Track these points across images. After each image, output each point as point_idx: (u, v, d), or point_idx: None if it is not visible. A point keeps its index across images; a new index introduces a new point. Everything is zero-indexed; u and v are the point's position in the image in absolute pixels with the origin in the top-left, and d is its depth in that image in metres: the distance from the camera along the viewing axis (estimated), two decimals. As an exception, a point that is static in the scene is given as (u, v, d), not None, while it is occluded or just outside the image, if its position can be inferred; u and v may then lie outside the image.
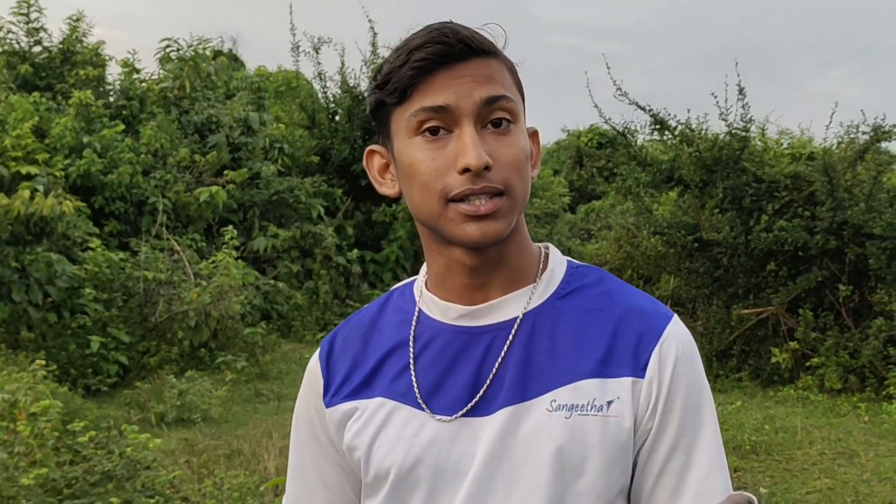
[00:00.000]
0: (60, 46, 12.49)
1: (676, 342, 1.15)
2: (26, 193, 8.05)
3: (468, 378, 1.16)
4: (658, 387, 1.13)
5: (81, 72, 12.02)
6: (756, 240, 8.89)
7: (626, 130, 9.98)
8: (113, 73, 12.88)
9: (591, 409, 1.12)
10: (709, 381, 1.20)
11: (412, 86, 1.12)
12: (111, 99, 12.28)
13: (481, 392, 1.15)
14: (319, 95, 13.58)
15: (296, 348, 10.16)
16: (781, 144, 11.98)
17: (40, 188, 8.73)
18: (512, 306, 1.18)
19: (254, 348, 9.40)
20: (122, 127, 11.01)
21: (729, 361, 9.17)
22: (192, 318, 8.95)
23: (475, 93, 1.11)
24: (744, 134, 9.35)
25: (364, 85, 12.68)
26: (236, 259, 9.94)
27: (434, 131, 1.12)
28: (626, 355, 1.14)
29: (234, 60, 16.42)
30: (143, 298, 9.05)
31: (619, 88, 9.51)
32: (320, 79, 13.20)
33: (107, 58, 12.78)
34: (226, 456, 6.23)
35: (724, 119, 9.38)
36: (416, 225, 1.21)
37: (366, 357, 1.24)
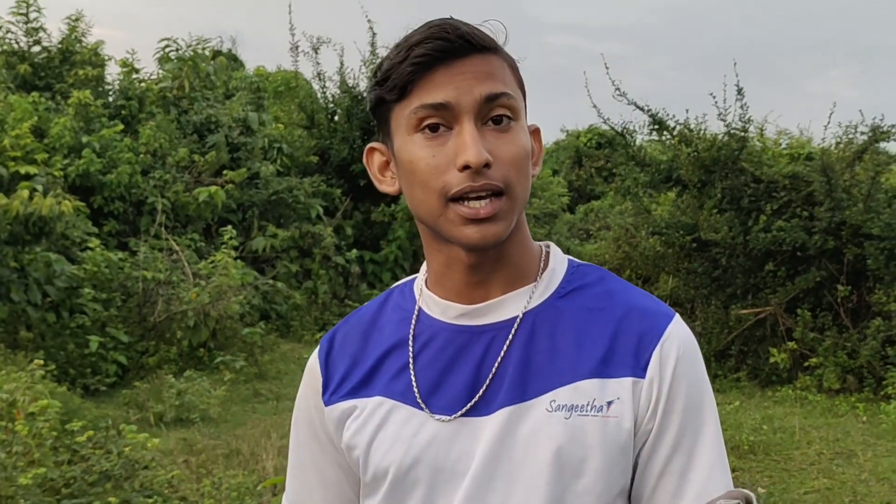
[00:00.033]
0: (59, 46, 12.48)
1: (678, 342, 1.14)
2: (25, 193, 8.05)
3: (467, 377, 1.15)
4: (659, 387, 1.12)
5: (80, 72, 12.01)
6: (754, 240, 8.89)
7: (625, 131, 9.99)
8: (112, 72, 12.92)
9: (591, 409, 1.11)
10: (708, 380, 1.19)
11: (412, 82, 1.11)
12: (110, 99, 12.27)
13: (481, 392, 1.14)
14: (318, 95, 13.59)
15: (294, 348, 10.15)
16: (780, 145, 12.00)
17: (39, 188, 8.72)
18: (512, 305, 1.17)
19: (252, 348, 9.39)
20: (121, 127, 11.01)
21: (727, 361, 9.16)
22: (190, 318, 8.95)
23: (475, 89, 1.10)
24: (742, 134, 9.35)
25: (363, 85, 12.69)
26: (235, 259, 9.94)
27: (434, 128, 1.11)
28: (626, 355, 1.13)
29: (234, 60, 16.43)
30: (142, 298, 9.05)
31: (618, 89, 9.54)
32: (319, 79, 13.24)
33: (106, 58, 12.79)
34: (224, 456, 6.23)
35: (722, 119, 9.40)
36: (416, 222, 1.20)
37: (365, 355, 1.23)
